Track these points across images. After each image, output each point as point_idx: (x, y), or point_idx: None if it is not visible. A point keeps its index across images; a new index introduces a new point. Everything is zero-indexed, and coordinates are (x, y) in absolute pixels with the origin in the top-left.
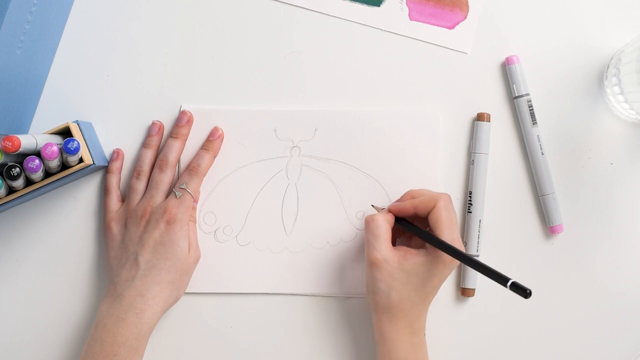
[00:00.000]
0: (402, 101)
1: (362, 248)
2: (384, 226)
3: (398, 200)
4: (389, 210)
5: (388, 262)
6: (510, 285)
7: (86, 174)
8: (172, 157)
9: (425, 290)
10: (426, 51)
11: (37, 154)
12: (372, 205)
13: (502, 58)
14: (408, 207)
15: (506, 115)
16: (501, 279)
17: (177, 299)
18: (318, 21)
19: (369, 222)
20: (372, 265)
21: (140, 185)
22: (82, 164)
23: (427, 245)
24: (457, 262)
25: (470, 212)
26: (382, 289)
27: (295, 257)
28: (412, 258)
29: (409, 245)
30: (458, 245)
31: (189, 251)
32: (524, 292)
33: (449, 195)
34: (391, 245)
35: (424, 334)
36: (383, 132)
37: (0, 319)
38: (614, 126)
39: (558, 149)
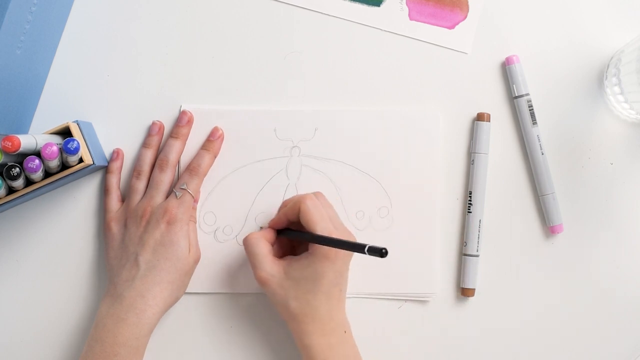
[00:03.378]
0: (402, 101)
1: None
2: (260, 242)
3: (275, 218)
4: (267, 226)
5: (274, 276)
6: (367, 250)
7: (86, 174)
8: (172, 157)
9: (323, 290)
10: (426, 51)
11: (37, 154)
12: (260, 227)
13: (502, 58)
14: (281, 217)
15: (506, 115)
16: (358, 247)
17: (177, 299)
18: (318, 21)
19: (244, 243)
20: (261, 284)
21: (141, 185)
22: (82, 164)
23: (310, 246)
24: (341, 252)
25: (470, 212)
26: (279, 301)
27: None
28: (296, 263)
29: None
30: (340, 234)
31: (189, 251)
32: (380, 252)
33: (316, 193)
34: (274, 258)
35: (345, 332)
36: (383, 132)
37: (0, 319)
38: (614, 126)
39: (558, 149)
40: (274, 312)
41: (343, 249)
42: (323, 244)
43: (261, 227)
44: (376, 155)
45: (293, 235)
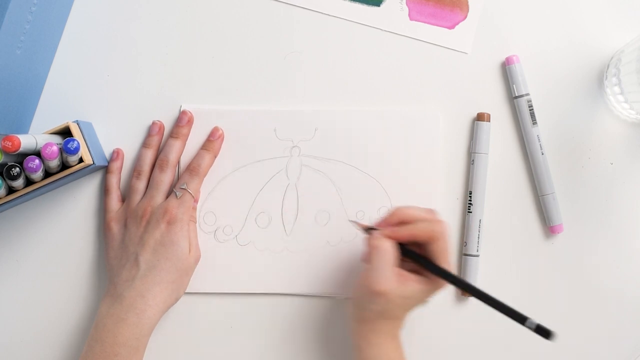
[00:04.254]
0: (402, 101)
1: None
2: (392, 252)
3: (386, 221)
4: (386, 235)
5: (391, 291)
6: (534, 328)
7: (86, 174)
8: (172, 157)
9: (416, 307)
10: (426, 51)
11: (37, 154)
12: (353, 221)
13: (502, 58)
14: (406, 235)
15: (506, 115)
16: (520, 318)
17: (177, 299)
18: (318, 21)
19: (377, 248)
20: (374, 294)
21: (141, 185)
22: (82, 164)
23: (423, 270)
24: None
25: (470, 212)
26: (375, 310)
27: (295, 257)
28: (412, 285)
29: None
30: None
31: (189, 251)
32: (546, 334)
33: (446, 223)
34: (395, 271)
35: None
36: (383, 132)
37: (0, 319)
38: (614, 126)
39: (558, 149)
40: (274, 312)
41: (503, 313)
42: (464, 289)
43: (353, 221)
44: (376, 155)
45: (421, 261)
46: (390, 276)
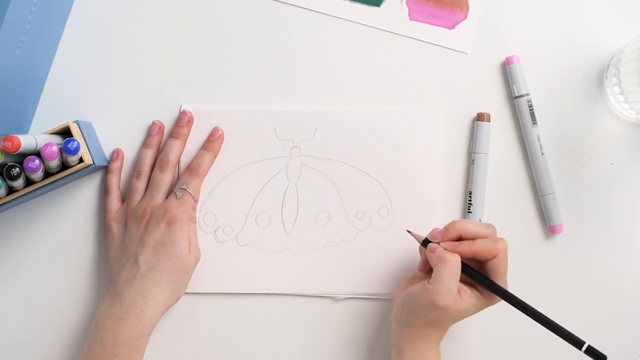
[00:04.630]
0: (402, 101)
1: (363, 248)
2: (459, 271)
3: (446, 235)
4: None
5: (452, 306)
6: (585, 350)
7: (86, 174)
8: (172, 157)
9: (463, 318)
10: (426, 51)
11: (37, 154)
12: (409, 231)
13: (502, 58)
14: (467, 252)
15: (506, 115)
16: (575, 342)
17: (177, 299)
18: (318, 21)
19: (446, 261)
20: (436, 307)
21: (141, 185)
22: (82, 164)
23: (477, 285)
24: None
25: (470, 212)
26: (430, 319)
27: (295, 257)
28: (468, 299)
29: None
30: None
31: (189, 251)
32: (598, 357)
33: (506, 242)
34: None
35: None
36: (383, 132)
37: (0, 319)
38: (614, 126)
39: (558, 149)
40: (274, 312)
41: (557, 334)
42: (521, 310)
43: (410, 232)
44: (376, 155)
45: (479, 280)
46: (456, 292)
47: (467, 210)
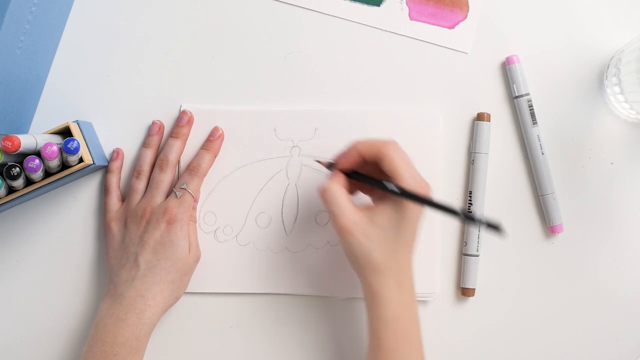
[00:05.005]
0: (402, 101)
1: None
2: (340, 190)
3: (344, 154)
4: (337, 166)
5: (358, 224)
6: (486, 224)
7: (86, 174)
8: (172, 157)
9: (406, 239)
10: (426, 51)
11: (37, 153)
12: (317, 161)
13: (502, 58)
14: (354, 154)
15: (506, 115)
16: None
17: (177, 299)
18: (318, 21)
19: (324, 194)
20: (343, 232)
21: (141, 185)
22: (82, 164)
23: (383, 193)
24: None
25: (470, 212)
26: (361, 251)
27: (295, 257)
28: (381, 211)
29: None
30: (421, 184)
31: (189, 251)
32: (497, 229)
33: (394, 141)
34: (355, 207)
35: (414, 292)
36: (383, 132)
37: (0, 319)
38: (614, 126)
39: (558, 149)
40: (274, 312)
41: (449, 213)
42: (415, 202)
43: (317, 161)
44: None
45: (371, 183)
46: (348, 211)
47: (467, 210)
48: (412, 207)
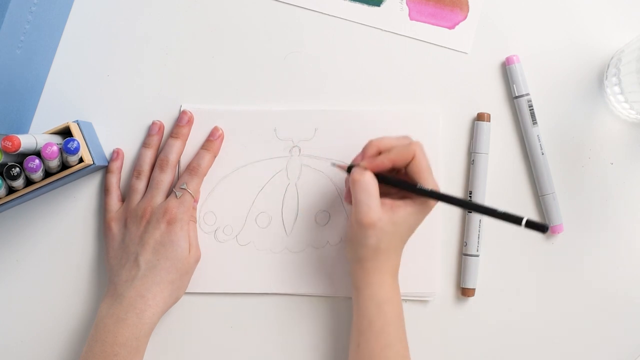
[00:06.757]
0: (402, 101)
1: None
2: (374, 183)
3: (364, 154)
4: (366, 167)
5: (381, 220)
6: (525, 224)
7: (86, 174)
8: (172, 157)
9: (409, 235)
10: (426, 51)
11: (37, 154)
12: (333, 164)
13: (502, 58)
14: (385, 162)
15: (506, 115)
16: (514, 218)
17: (177, 299)
18: (318, 21)
19: (358, 181)
20: (366, 226)
21: (141, 185)
22: (82, 164)
23: (407, 192)
24: (434, 205)
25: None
26: (371, 243)
27: (295, 257)
28: (401, 210)
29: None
30: (435, 185)
31: (189, 251)
32: (542, 228)
33: (421, 142)
34: (380, 202)
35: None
36: (383, 132)
37: (0, 319)
38: (614, 126)
39: (558, 149)
40: (274, 312)
41: (497, 217)
42: (445, 202)
43: (335, 164)
44: None
45: (399, 185)
46: (377, 206)
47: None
48: (428, 211)
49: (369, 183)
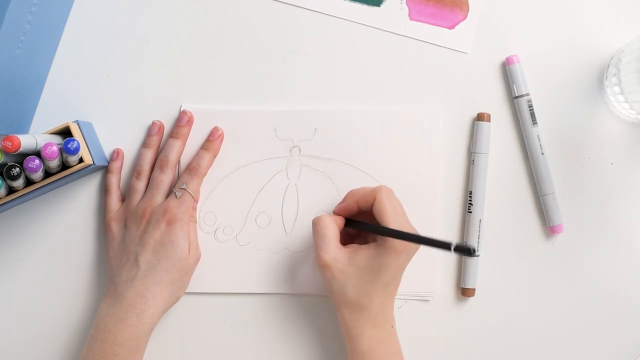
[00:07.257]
0: (402, 101)
1: None
2: (331, 226)
3: (342, 203)
4: (335, 213)
5: (338, 261)
6: (454, 249)
7: (86, 174)
8: (172, 157)
9: (382, 282)
10: (426, 51)
11: (37, 154)
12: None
13: (502, 58)
14: (352, 205)
15: (506, 115)
16: (444, 245)
17: (177, 299)
18: (318, 21)
19: (315, 223)
20: (322, 267)
21: (141, 185)
22: (82, 164)
23: (378, 237)
24: (410, 247)
25: (470, 212)
26: (336, 287)
27: (295, 257)
28: (362, 252)
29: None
30: (409, 229)
31: (189, 251)
32: (468, 251)
33: (388, 187)
34: (340, 244)
35: (392, 327)
36: (383, 132)
37: (0, 319)
38: (614, 126)
39: (558, 149)
40: (274, 312)
41: (427, 245)
42: (400, 239)
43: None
44: (376, 155)
45: (361, 227)
46: (331, 248)
47: (467, 211)
48: (392, 253)
49: (324, 226)
